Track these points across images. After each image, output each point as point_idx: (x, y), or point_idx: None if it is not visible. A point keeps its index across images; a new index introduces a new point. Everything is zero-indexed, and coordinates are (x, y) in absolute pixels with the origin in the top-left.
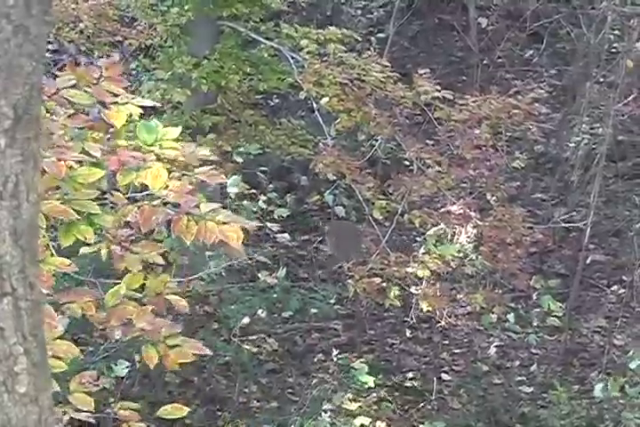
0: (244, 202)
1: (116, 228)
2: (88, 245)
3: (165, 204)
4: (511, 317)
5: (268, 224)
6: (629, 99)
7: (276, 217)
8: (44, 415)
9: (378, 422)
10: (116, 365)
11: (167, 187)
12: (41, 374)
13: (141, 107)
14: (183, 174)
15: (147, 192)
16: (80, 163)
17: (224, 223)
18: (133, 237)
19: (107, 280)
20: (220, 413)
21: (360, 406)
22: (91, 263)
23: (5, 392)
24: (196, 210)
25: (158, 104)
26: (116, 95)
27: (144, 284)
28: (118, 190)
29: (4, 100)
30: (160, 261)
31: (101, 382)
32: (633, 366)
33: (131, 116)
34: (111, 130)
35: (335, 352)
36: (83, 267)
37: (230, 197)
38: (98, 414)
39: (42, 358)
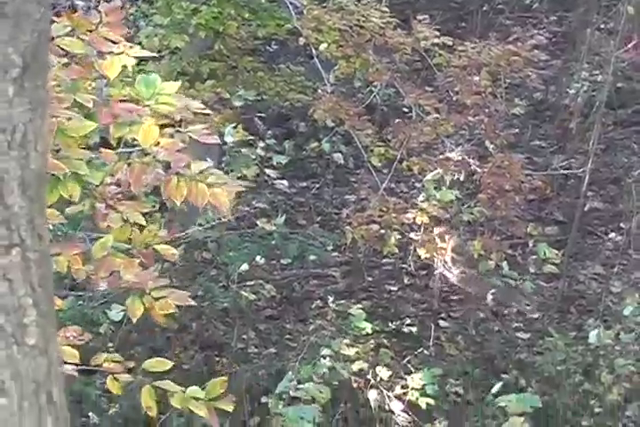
0: (243, 149)
1: (103, 185)
2: (72, 203)
3: (157, 162)
4: (505, 264)
5: (267, 171)
6: (629, 46)
7: (274, 164)
8: (53, 367)
9: (376, 368)
10: (110, 310)
11: (159, 144)
12: (49, 326)
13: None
14: (176, 131)
15: (137, 148)
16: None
17: (217, 184)
18: (120, 195)
19: (95, 234)
20: (218, 358)
21: (358, 352)
22: (79, 218)
23: (15, 344)
24: (187, 170)
25: (154, 53)
26: (113, 43)
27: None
28: (108, 146)
29: (13, 47)
30: (142, 221)
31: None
32: (626, 312)
33: (125, 67)
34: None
35: (333, 299)
36: (72, 221)
37: (230, 144)
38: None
39: (50, 310)
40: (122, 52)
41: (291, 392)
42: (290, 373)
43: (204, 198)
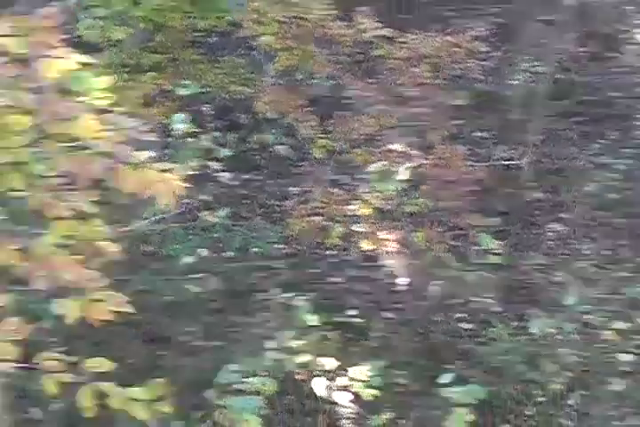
0: (188, 139)
1: (48, 177)
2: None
3: (99, 154)
4: (448, 255)
5: (210, 163)
6: (569, 37)
7: (217, 156)
8: None
9: (321, 360)
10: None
11: (98, 138)
12: None
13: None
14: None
15: (78, 143)
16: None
17: (164, 171)
18: (66, 187)
19: (36, 231)
20: (162, 352)
21: (303, 344)
22: (22, 212)
23: None
24: (132, 158)
25: (92, 61)
26: (52, 47)
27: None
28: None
29: None
30: (92, 209)
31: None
32: (570, 302)
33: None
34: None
35: (277, 291)
36: (14, 215)
37: (174, 136)
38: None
39: None
40: (61, 57)
41: (235, 385)
42: (230, 364)
43: (155, 184)
